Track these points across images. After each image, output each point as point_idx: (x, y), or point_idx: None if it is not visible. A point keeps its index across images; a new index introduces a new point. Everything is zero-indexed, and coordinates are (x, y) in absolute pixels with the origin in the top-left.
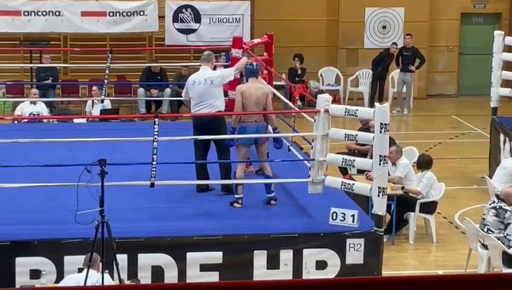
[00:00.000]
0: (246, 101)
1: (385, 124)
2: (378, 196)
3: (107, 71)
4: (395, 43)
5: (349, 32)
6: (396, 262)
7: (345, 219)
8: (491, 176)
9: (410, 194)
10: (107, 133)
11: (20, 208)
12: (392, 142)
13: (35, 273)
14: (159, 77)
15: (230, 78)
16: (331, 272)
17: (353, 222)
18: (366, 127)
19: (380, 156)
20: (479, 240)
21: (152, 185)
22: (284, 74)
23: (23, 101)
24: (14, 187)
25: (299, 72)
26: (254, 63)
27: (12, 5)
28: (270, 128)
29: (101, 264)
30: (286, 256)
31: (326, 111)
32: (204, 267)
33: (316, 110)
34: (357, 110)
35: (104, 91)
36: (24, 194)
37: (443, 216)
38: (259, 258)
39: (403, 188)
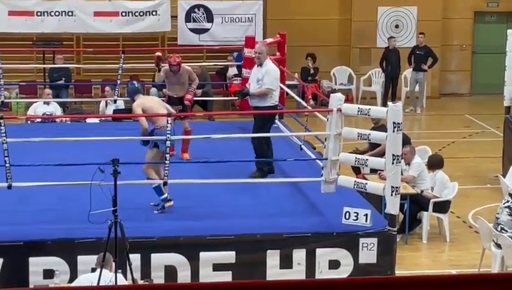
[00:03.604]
0: (151, 111)
1: (398, 123)
2: (391, 195)
3: (119, 71)
4: (392, 37)
5: (362, 32)
6: (410, 261)
7: (358, 218)
8: (504, 175)
9: (424, 194)
10: (120, 133)
11: (34, 207)
12: (407, 141)
13: (48, 273)
14: None
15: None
16: (344, 272)
17: (366, 221)
18: (378, 126)
19: (393, 155)
20: (492, 239)
21: (165, 183)
22: (296, 74)
23: (36, 102)
24: (27, 187)
25: (312, 71)
26: (134, 82)
27: (25, 6)
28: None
29: (114, 264)
30: (299, 255)
31: (339, 110)
32: (217, 267)
33: (328, 110)
34: (369, 109)
35: (117, 91)
36: (37, 194)
37: (456, 215)
38: (272, 257)
39: (421, 191)
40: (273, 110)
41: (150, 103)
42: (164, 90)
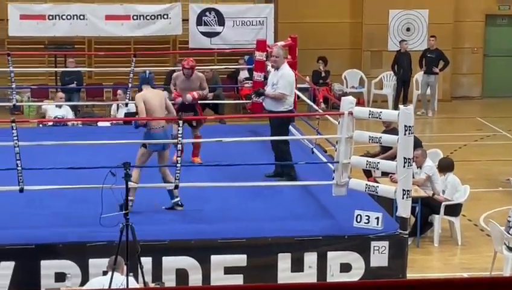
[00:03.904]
0: (149, 106)
1: (409, 127)
2: (403, 198)
3: (131, 75)
4: (403, 40)
5: (373, 35)
6: (421, 265)
7: (369, 221)
8: None
9: (435, 197)
10: (131, 136)
11: (45, 211)
12: (418, 144)
13: (60, 276)
14: None
15: None
16: (355, 275)
17: (377, 224)
18: (390, 129)
19: (405, 158)
20: (504, 243)
21: (176, 186)
22: (307, 77)
23: (47, 105)
24: (39, 190)
25: (323, 74)
26: (147, 71)
27: (37, 9)
28: (174, 131)
29: (125, 267)
30: (310, 259)
31: (351, 113)
32: (229, 270)
33: (340, 113)
34: (381, 112)
35: (128, 95)
36: (49, 197)
37: (468, 219)
38: (284, 261)
39: (433, 194)
40: (284, 114)
41: (151, 94)
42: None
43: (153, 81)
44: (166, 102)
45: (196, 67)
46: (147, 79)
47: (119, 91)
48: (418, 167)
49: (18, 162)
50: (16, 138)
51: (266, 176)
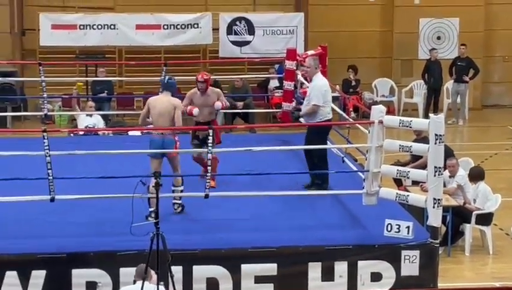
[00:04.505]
0: (151, 111)
1: (440, 135)
2: (434, 207)
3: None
4: (433, 49)
5: (404, 43)
6: (453, 274)
7: (399, 230)
8: None
9: (466, 206)
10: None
11: (76, 220)
12: (450, 153)
13: (91, 285)
14: None
15: None
16: (386, 284)
17: (408, 233)
18: (420, 138)
19: (435, 167)
20: None
21: (206, 196)
22: (338, 86)
23: (79, 114)
24: (70, 199)
25: (353, 83)
26: (166, 77)
27: (68, 19)
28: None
29: (154, 276)
30: (341, 268)
31: (381, 122)
32: (259, 279)
33: (370, 122)
34: (411, 121)
35: None
36: (79, 206)
37: (499, 228)
38: (314, 270)
39: (464, 203)
40: (314, 123)
41: (158, 102)
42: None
43: (173, 88)
44: (175, 112)
45: (226, 77)
46: (165, 84)
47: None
48: (451, 177)
49: (49, 171)
50: (47, 147)
51: (305, 186)
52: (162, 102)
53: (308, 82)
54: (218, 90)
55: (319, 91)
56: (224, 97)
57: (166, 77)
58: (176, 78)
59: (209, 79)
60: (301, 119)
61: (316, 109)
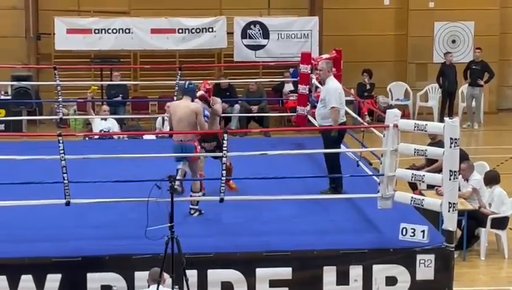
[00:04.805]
0: (172, 117)
1: (455, 139)
2: (449, 211)
3: (176, 88)
4: (448, 52)
5: (418, 47)
6: (468, 278)
7: (415, 234)
8: None
9: (481, 210)
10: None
11: (91, 223)
12: (465, 157)
13: (106, 289)
14: (227, 93)
15: None
16: (401, 288)
17: (423, 237)
18: (435, 142)
19: (450, 171)
20: None
21: (221, 200)
22: (352, 89)
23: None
24: (86, 203)
25: (368, 87)
26: (187, 82)
27: (83, 23)
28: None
29: (168, 279)
30: (356, 272)
31: (396, 126)
32: (274, 283)
33: (385, 125)
34: (426, 125)
35: None
36: (95, 210)
37: None
38: (329, 274)
39: (479, 207)
40: (330, 127)
41: (178, 107)
42: None
43: (193, 93)
44: (198, 118)
45: (241, 81)
46: (185, 89)
47: (168, 104)
48: (464, 180)
49: (64, 175)
50: (62, 151)
51: (321, 192)
52: (182, 108)
53: (321, 86)
54: (218, 98)
55: (332, 94)
56: (240, 102)
57: (187, 82)
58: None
59: (212, 89)
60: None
61: (336, 111)
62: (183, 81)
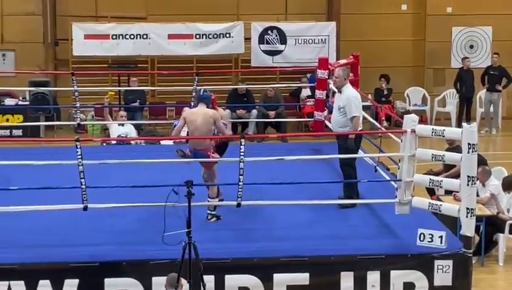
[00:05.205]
0: (188, 125)
1: (473, 144)
2: (467, 217)
3: (193, 93)
4: (466, 58)
5: (436, 52)
6: (486, 284)
7: (432, 240)
8: None
9: (500, 215)
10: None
11: (109, 228)
12: (483, 163)
13: None
14: (245, 99)
15: None
16: None
17: (441, 243)
18: (453, 147)
19: (468, 176)
20: None
21: (238, 205)
22: (370, 95)
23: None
24: (103, 208)
25: (385, 92)
26: (202, 89)
27: (101, 29)
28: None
29: (185, 284)
30: (373, 277)
31: (413, 131)
32: (291, 289)
33: (402, 131)
34: (444, 130)
35: None
36: (112, 215)
37: None
38: (346, 279)
39: (498, 213)
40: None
41: (194, 116)
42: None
43: (208, 100)
44: (216, 124)
45: (258, 86)
46: (200, 97)
47: (185, 108)
48: (483, 186)
49: (82, 180)
50: (79, 156)
51: (339, 198)
52: (198, 115)
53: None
54: (221, 109)
55: (353, 102)
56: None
57: (201, 90)
58: (207, 87)
59: (215, 99)
60: (336, 130)
61: (357, 121)
62: (200, 88)
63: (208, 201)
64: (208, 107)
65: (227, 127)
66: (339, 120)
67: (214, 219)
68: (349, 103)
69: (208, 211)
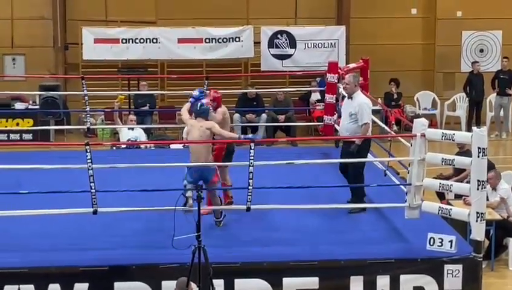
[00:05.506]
0: (188, 136)
1: (483, 149)
2: (477, 221)
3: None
4: (475, 62)
5: (446, 56)
6: (496, 288)
7: (442, 244)
8: None
9: (510, 219)
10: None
11: (118, 232)
12: (491, 167)
13: None
14: (254, 103)
15: None
16: None
17: (451, 247)
18: (463, 151)
19: (478, 180)
20: None
21: (248, 209)
22: (379, 99)
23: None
24: (113, 212)
25: (395, 96)
26: (199, 103)
27: (111, 33)
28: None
29: (194, 289)
30: (383, 282)
31: (423, 135)
32: None
33: (412, 135)
34: (454, 134)
35: None
36: (122, 219)
37: None
38: (356, 283)
39: (508, 217)
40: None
41: (193, 128)
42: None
43: (206, 114)
44: (214, 131)
45: (268, 90)
46: (198, 111)
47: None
48: (493, 190)
49: (92, 184)
50: (89, 160)
51: (348, 202)
52: (196, 130)
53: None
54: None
55: (365, 110)
56: (267, 111)
57: (199, 104)
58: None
59: (220, 97)
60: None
61: (367, 127)
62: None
63: (214, 220)
64: (206, 120)
65: (226, 127)
66: (349, 127)
67: (221, 225)
68: (361, 110)
69: (214, 219)
